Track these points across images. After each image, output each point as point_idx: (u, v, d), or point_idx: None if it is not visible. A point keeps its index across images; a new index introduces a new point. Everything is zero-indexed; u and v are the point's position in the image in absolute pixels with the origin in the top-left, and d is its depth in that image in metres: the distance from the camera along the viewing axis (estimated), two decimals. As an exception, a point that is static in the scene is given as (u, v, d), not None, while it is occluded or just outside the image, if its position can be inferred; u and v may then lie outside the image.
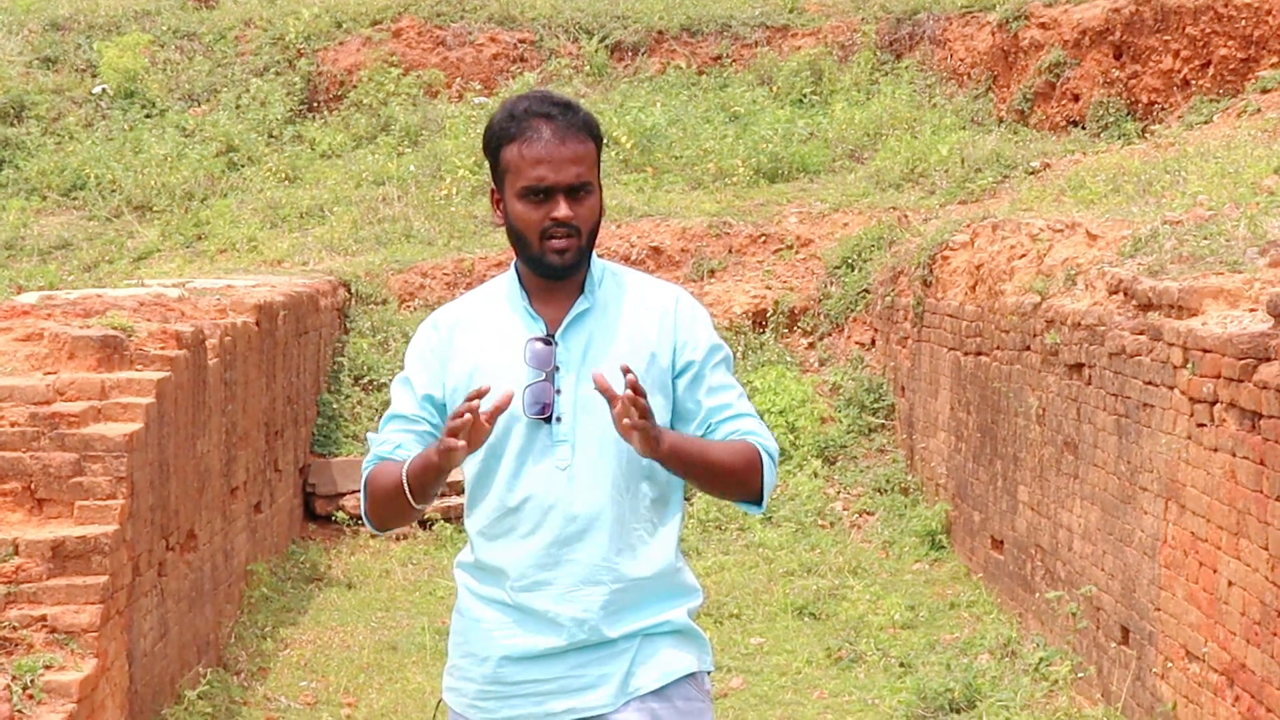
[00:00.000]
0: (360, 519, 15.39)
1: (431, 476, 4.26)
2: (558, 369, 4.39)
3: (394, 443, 4.47)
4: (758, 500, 4.47)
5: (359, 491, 15.86)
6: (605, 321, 4.47)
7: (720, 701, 10.62)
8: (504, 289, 4.55)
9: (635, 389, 4.10)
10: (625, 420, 4.13)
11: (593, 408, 4.35)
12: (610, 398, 4.12)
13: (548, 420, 4.37)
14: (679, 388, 4.49)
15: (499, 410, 4.13)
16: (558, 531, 4.35)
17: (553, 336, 4.41)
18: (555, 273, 4.40)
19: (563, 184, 4.33)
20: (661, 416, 4.44)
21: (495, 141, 4.42)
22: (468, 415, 4.08)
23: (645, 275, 4.69)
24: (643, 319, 4.49)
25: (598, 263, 4.54)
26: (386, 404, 16.76)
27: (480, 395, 4.10)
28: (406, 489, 4.29)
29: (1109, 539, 9.90)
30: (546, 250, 4.36)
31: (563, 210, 4.33)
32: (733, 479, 4.41)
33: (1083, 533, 10.45)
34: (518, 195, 4.37)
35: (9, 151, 24.01)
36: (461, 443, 4.10)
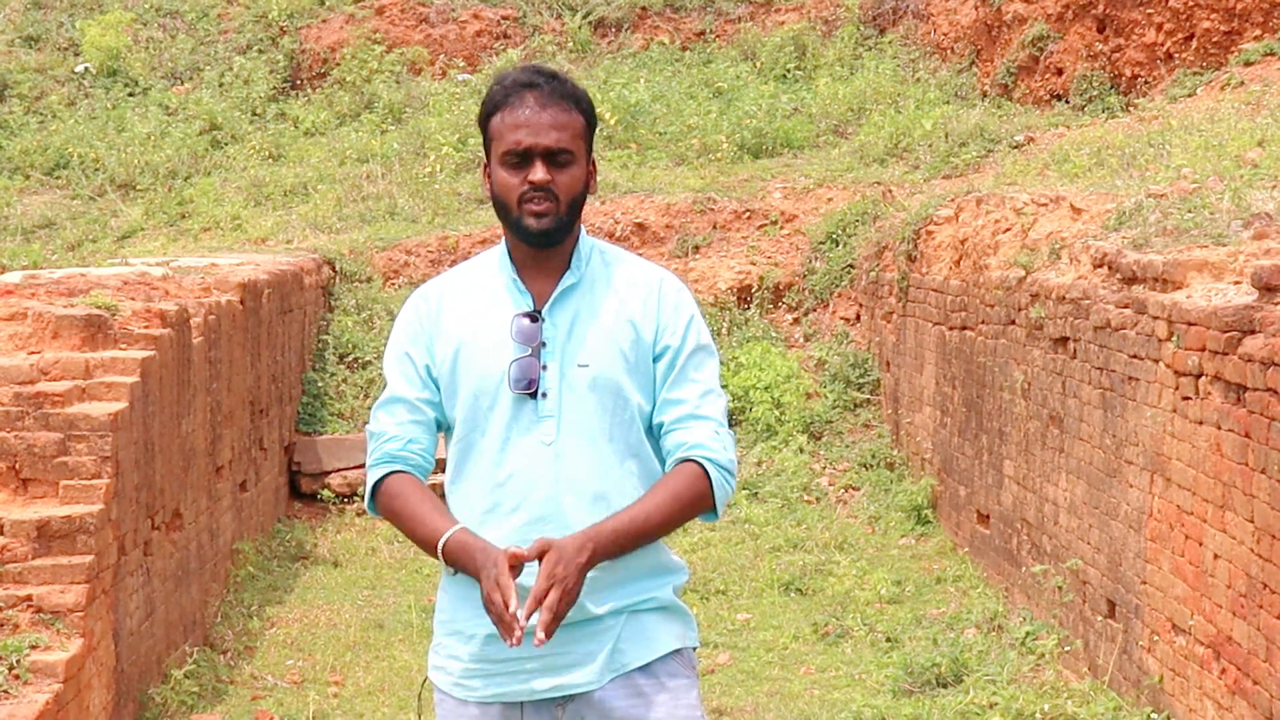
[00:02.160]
0: (346, 498, 15.48)
1: (468, 570, 4.27)
2: (544, 344, 4.38)
3: (403, 438, 4.45)
4: (712, 513, 4.45)
5: (345, 470, 15.93)
6: (592, 298, 4.46)
7: (707, 677, 10.62)
8: (493, 262, 4.54)
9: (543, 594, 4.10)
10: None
11: (578, 384, 4.35)
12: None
13: (533, 395, 4.36)
14: (655, 371, 4.47)
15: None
16: (543, 507, 4.34)
17: (539, 312, 4.40)
18: (534, 238, 4.39)
19: (540, 147, 4.33)
20: (641, 395, 4.43)
21: (485, 112, 4.44)
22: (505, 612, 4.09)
23: (634, 255, 4.68)
24: (629, 297, 4.48)
25: (587, 240, 4.52)
26: (371, 381, 16.90)
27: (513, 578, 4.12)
28: (441, 558, 4.32)
29: (1095, 513, 9.91)
30: (524, 214, 4.36)
31: (539, 174, 4.33)
32: (679, 522, 4.39)
33: (1068, 506, 10.46)
34: (500, 161, 4.37)
35: (-9, 131, 23.98)
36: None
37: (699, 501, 4.37)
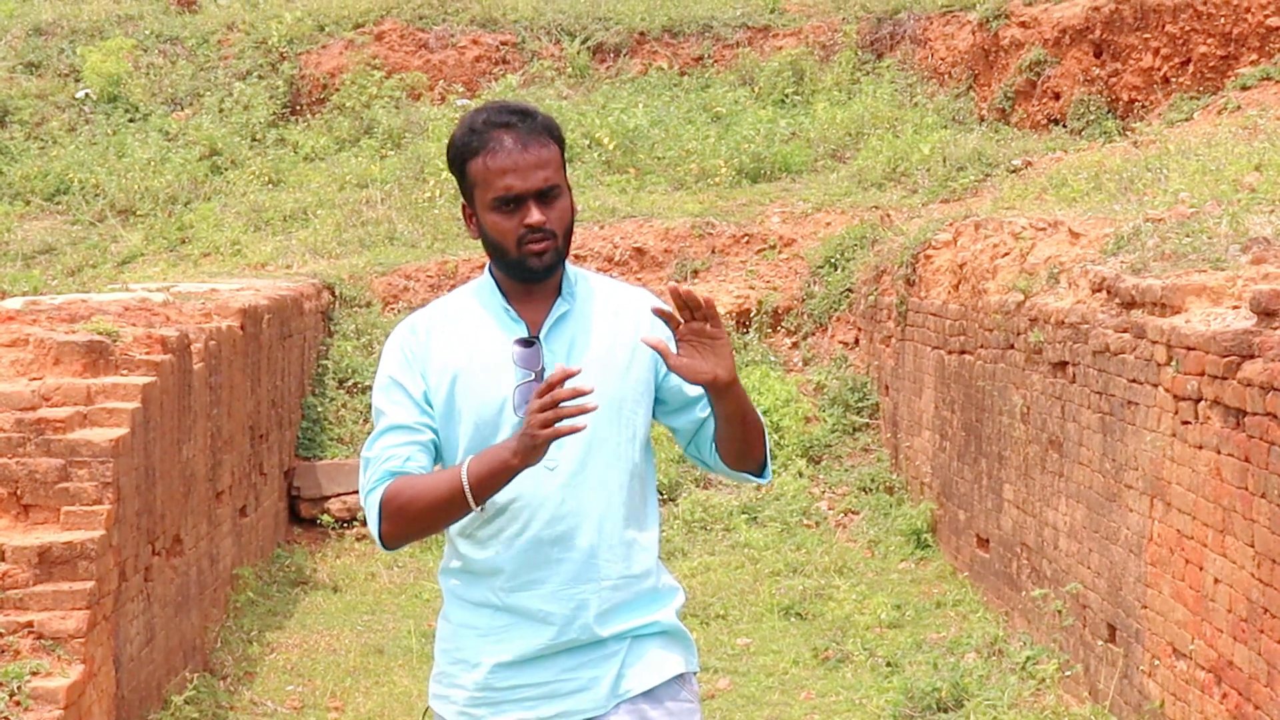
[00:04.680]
0: (345, 523, 15.48)
1: (505, 480, 4.21)
2: (543, 370, 4.40)
3: (402, 455, 4.39)
4: (762, 468, 4.53)
5: (344, 495, 15.92)
6: (587, 323, 4.50)
7: (708, 703, 10.62)
8: (480, 292, 4.56)
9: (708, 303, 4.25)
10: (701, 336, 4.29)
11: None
12: (671, 321, 4.24)
13: (535, 420, 4.38)
14: (669, 381, 4.53)
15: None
16: (546, 531, 4.37)
17: (536, 337, 4.43)
18: (535, 275, 4.42)
19: (531, 190, 4.36)
20: (643, 417, 4.47)
21: (460, 157, 4.44)
22: (565, 403, 4.05)
23: (614, 279, 4.76)
24: (620, 320, 4.53)
25: (569, 267, 4.55)
26: (370, 406, 16.89)
27: (568, 377, 4.07)
28: (469, 494, 4.22)
29: (1095, 537, 9.92)
30: (526, 255, 4.38)
31: (535, 216, 4.36)
32: (757, 431, 4.47)
33: (1068, 531, 10.47)
34: (489, 207, 4.40)
35: (-8, 156, 23.99)
36: (561, 429, 4.06)
37: (761, 437, 4.50)
